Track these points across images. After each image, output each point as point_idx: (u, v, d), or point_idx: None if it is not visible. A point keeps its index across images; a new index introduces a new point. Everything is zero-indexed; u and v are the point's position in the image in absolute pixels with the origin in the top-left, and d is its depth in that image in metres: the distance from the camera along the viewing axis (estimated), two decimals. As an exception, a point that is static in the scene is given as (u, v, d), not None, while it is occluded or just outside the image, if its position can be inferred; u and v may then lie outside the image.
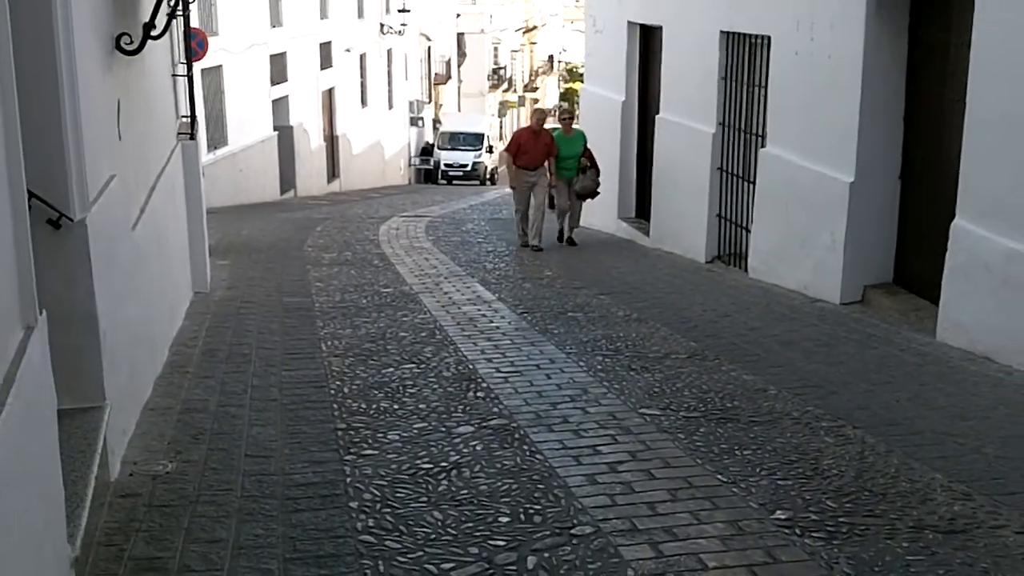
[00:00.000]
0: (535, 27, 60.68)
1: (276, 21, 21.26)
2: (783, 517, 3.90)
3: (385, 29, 30.47)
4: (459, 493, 4.14)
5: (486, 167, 36.45)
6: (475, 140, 36.36)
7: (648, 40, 12.69)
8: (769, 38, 9.17)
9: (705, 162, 10.57)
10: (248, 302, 8.06)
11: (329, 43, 24.93)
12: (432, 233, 12.97)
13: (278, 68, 21.18)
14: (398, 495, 4.12)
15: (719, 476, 4.33)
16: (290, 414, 5.17)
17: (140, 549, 3.63)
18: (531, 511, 3.96)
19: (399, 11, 31.50)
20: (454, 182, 33.41)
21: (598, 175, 11.89)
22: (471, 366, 6.12)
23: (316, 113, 24.05)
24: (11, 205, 2.92)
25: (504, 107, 54.09)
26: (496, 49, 52.53)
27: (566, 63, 64.38)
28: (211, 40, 15.37)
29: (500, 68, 52.95)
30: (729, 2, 9.91)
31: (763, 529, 3.80)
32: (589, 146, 11.99)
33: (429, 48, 39.08)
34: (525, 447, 4.70)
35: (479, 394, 5.55)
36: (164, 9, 5.77)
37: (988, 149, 6.32)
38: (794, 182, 8.76)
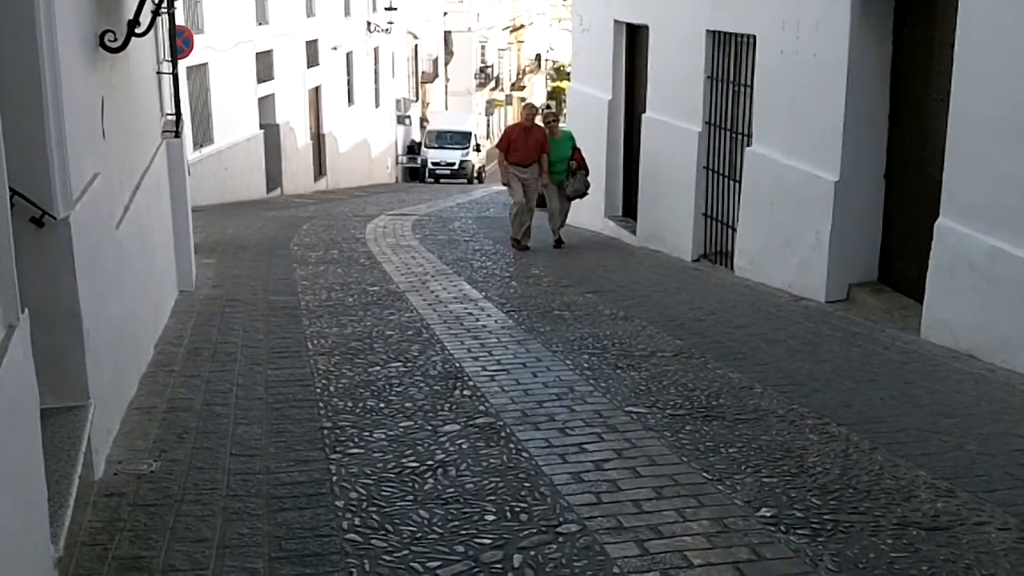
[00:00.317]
0: (522, 26, 60.70)
1: (262, 19, 21.20)
2: (768, 514, 3.91)
3: (372, 27, 30.42)
4: (445, 491, 4.14)
5: (473, 166, 36.46)
6: (462, 139, 36.36)
7: (635, 39, 12.71)
8: (754, 37, 9.19)
9: (691, 161, 10.59)
10: (234, 300, 8.03)
11: (316, 41, 24.88)
12: (419, 231, 12.96)
13: (264, 66, 21.12)
14: (384, 494, 4.12)
15: (704, 474, 4.34)
16: (276, 413, 5.16)
17: (124, 549, 3.61)
18: (517, 509, 3.96)
19: (386, 9, 31.46)
20: (441, 180, 33.41)
21: (587, 175, 11.63)
22: (457, 364, 6.12)
23: (303, 111, 23.99)
24: (-7, 203, 2.90)
25: (491, 106, 54.06)
26: (483, 47, 52.52)
27: (553, 62, 64.41)
28: (197, 38, 15.34)
29: (487, 67, 52.95)
30: (714, 1, 9.93)
31: (748, 526, 3.81)
32: (577, 145, 11.74)
33: (416, 46, 39.04)
34: (511, 445, 4.70)
35: (465, 392, 5.55)
36: (148, 6, 5.74)
37: (972, 148, 6.36)
38: (779, 181, 8.79)
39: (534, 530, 3.78)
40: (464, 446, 4.69)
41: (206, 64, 17.63)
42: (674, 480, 4.26)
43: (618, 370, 6.00)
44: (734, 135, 9.92)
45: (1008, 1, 6.00)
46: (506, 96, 56.73)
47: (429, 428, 4.94)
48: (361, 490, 4.15)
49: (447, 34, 46.54)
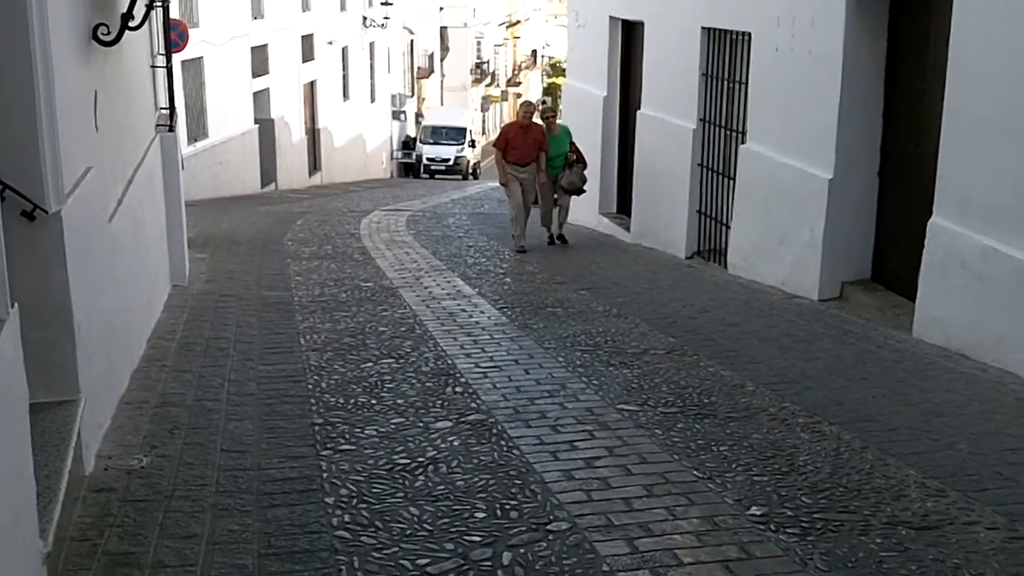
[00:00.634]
0: (518, 21, 60.63)
1: (258, 13, 21.16)
2: (758, 513, 3.92)
3: (368, 22, 30.38)
4: (436, 489, 4.14)
5: (468, 161, 36.45)
6: (457, 134, 36.34)
7: (630, 35, 12.70)
8: (750, 34, 9.19)
9: (686, 158, 10.59)
10: (227, 295, 8.02)
11: (311, 36, 24.83)
12: (413, 227, 12.95)
13: (259, 60, 21.07)
14: (374, 491, 4.11)
15: (695, 472, 4.35)
16: (267, 409, 5.15)
17: (114, 544, 3.60)
18: (507, 507, 3.96)
19: (382, 4, 31.43)
20: (436, 176, 33.40)
21: (585, 168, 11.53)
22: (450, 361, 6.11)
23: (298, 106, 23.95)
24: (-18, 197, 2.89)
25: (487, 101, 54.04)
26: (479, 43, 52.47)
27: (550, 58, 64.39)
28: (192, 32, 15.27)
29: (483, 62, 52.90)
30: (711, -2, 9.93)
31: (738, 525, 3.81)
32: (573, 140, 11.65)
33: (412, 42, 38.98)
34: (502, 442, 4.70)
35: (457, 389, 5.55)
36: (142, 0, 5.72)
37: (965, 146, 6.36)
38: (774, 179, 8.79)
39: (524, 528, 3.78)
40: (455, 443, 4.69)
41: (201, 58, 17.59)
42: (665, 478, 4.27)
43: (610, 367, 6.01)
44: (729, 132, 9.92)
45: None
46: (502, 92, 56.71)
47: (421, 425, 4.94)
48: (351, 487, 4.15)
49: (443, 29, 46.50)
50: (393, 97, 34.24)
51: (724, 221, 10.02)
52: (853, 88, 7.71)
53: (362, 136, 29.79)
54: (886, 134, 7.80)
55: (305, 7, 24.66)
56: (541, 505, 3.98)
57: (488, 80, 53.98)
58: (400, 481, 4.22)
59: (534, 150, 11.03)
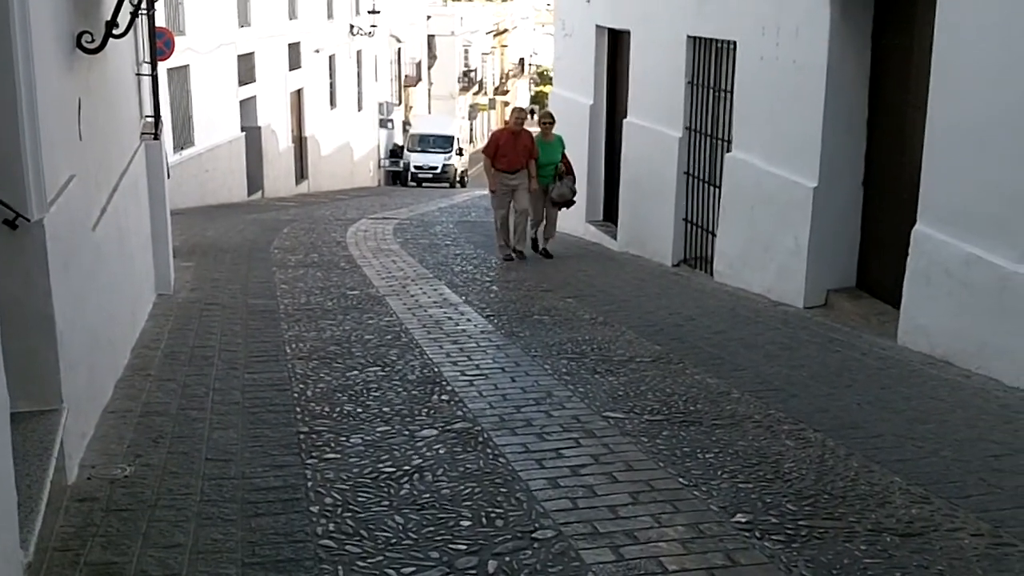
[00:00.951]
0: (506, 30, 60.77)
1: (244, 21, 21.15)
2: (743, 520, 3.92)
3: (355, 30, 30.39)
4: (421, 497, 4.13)
5: (456, 169, 36.46)
6: (445, 142, 36.36)
7: (616, 44, 12.74)
8: (735, 43, 9.23)
9: (672, 166, 10.62)
10: (212, 304, 7.99)
11: (298, 44, 24.83)
12: (400, 235, 12.94)
13: (246, 68, 21.05)
14: (359, 499, 4.10)
15: (681, 479, 4.35)
16: (252, 417, 5.13)
17: (96, 554, 3.58)
18: (493, 515, 3.96)
19: (369, 12, 31.44)
20: (423, 184, 33.38)
21: (574, 182, 11.34)
22: (436, 369, 6.11)
23: (284, 114, 23.93)
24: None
25: (475, 110, 54.12)
26: (467, 52, 52.57)
27: (537, 66, 64.55)
28: (178, 39, 15.27)
29: (471, 71, 53.00)
30: (696, 7, 9.97)
31: (723, 532, 3.82)
32: (565, 151, 11.40)
33: (399, 50, 39.02)
34: (488, 450, 4.69)
35: (443, 397, 5.54)
36: (127, 7, 5.71)
37: (948, 156, 6.40)
38: (759, 187, 8.83)
39: (509, 536, 3.77)
40: (441, 451, 4.68)
41: (187, 66, 17.56)
42: (650, 486, 4.26)
43: (596, 375, 6.01)
44: (714, 141, 9.96)
45: (985, 11, 6.05)
46: (489, 100, 56.81)
47: (406, 433, 4.93)
48: (336, 495, 4.13)
49: (430, 38, 46.58)
50: (380, 105, 34.25)
51: (710, 229, 10.05)
52: (837, 97, 7.76)
53: (349, 144, 29.78)
54: (870, 143, 7.84)
55: (292, 15, 24.66)
56: (527, 513, 3.98)
57: (476, 88, 54.07)
58: (385, 489, 4.21)
59: (524, 157, 10.80)
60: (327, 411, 5.25)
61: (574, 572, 3.49)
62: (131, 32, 6.33)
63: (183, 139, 17.53)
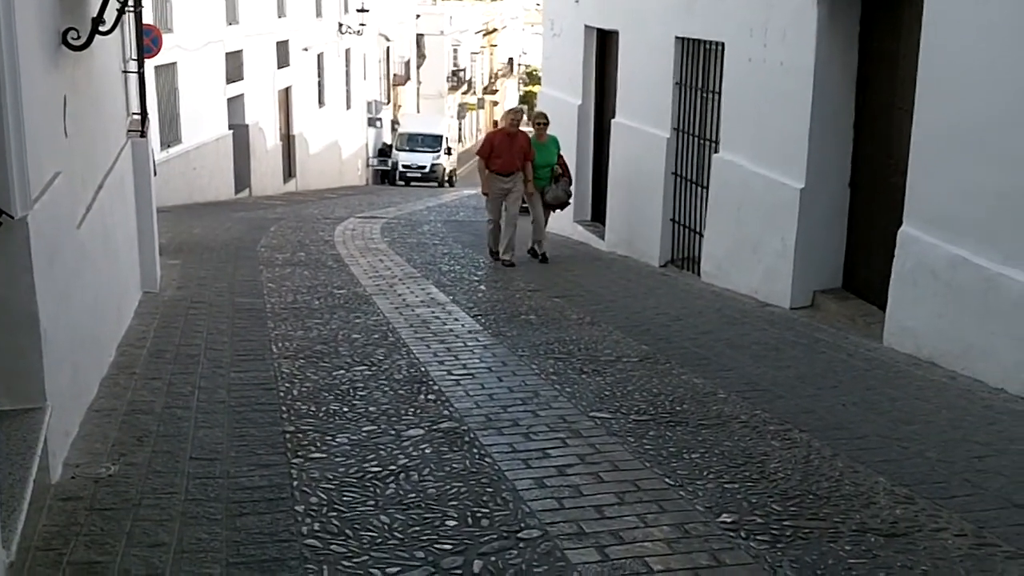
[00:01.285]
0: (495, 30, 60.74)
1: (232, 19, 21.08)
2: (729, 520, 3.93)
3: (343, 29, 30.33)
4: (407, 497, 4.12)
5: (444, 169, 36.45)
6: (434, 142, 36.35)
7: (605, 44, 12.76)
8: (723, 44, 9.25)
9: (659, 167, 10.63)
10: (198, 302, 7.96)
11: (286, 42, 24.77)
12: (388, 235, 12.92)
13: (234, 66, 20.98)
14: (345, 499, 4.09)
15: (667, 479, 4.35)
16: (237, 416, 5.11)
17: (80, 553, 3.56)
18: (479, 515, 3.95)
19: (358, 11, 31.37)
20: (412, 183, 33.36)
21: (570, 184, 11.17)
22: (423, 369, 6.10)
23: (272, 112, 23.87)
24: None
25: (463, 109, 54.07)
26: (456, 51, 52.52)
27: (526, 66, 64.54)
28: (166, 37, 15.21)
29: (460, 70, 52.95)
30: (684, 8, 9.98)
31: (709, 532, 3.82)
32: (561, 152, 11.16)
33: (388, 49, 38.96)
34: (475, 450, 4.68)
35: (430, 397, 5.53)
36: (113, 4, 5.68)
37: (934, 158, 6.43)
38: (746, 188, 8.85)
39: (495, 536, 3.77)
40: (427, 451, 4.67)
41: (175, 63, 17.50)
42: (636, 486, 4.27)
43: (583, 375, 6.01)
44: (702, 141, 9.98)
45: (972, 14, 6.07)
46: (478, 100, 56.78)
47: (392, 432, 4.92)
48: (322, 495, 4.12)
49: (419, 37, 46.52)
50: (369, 104, 34.19)
51: (697, 230, 10.07)
52: (824, 99, 7.78)
53: (337, 143, 29.72)
54: (857, 145, 7.87)
55: (280, 13, 24.60)
56: (513, 513, 3.97)
57: (465, 88, 54.03)
58: (371, 489, 4.20)
59: (519, 159, 10.45)
60: (313, 410, 5.23)
61: (560, 572, 3.49)
62: (118, 29, 6.30)
63: (170, 137, 17.47)
